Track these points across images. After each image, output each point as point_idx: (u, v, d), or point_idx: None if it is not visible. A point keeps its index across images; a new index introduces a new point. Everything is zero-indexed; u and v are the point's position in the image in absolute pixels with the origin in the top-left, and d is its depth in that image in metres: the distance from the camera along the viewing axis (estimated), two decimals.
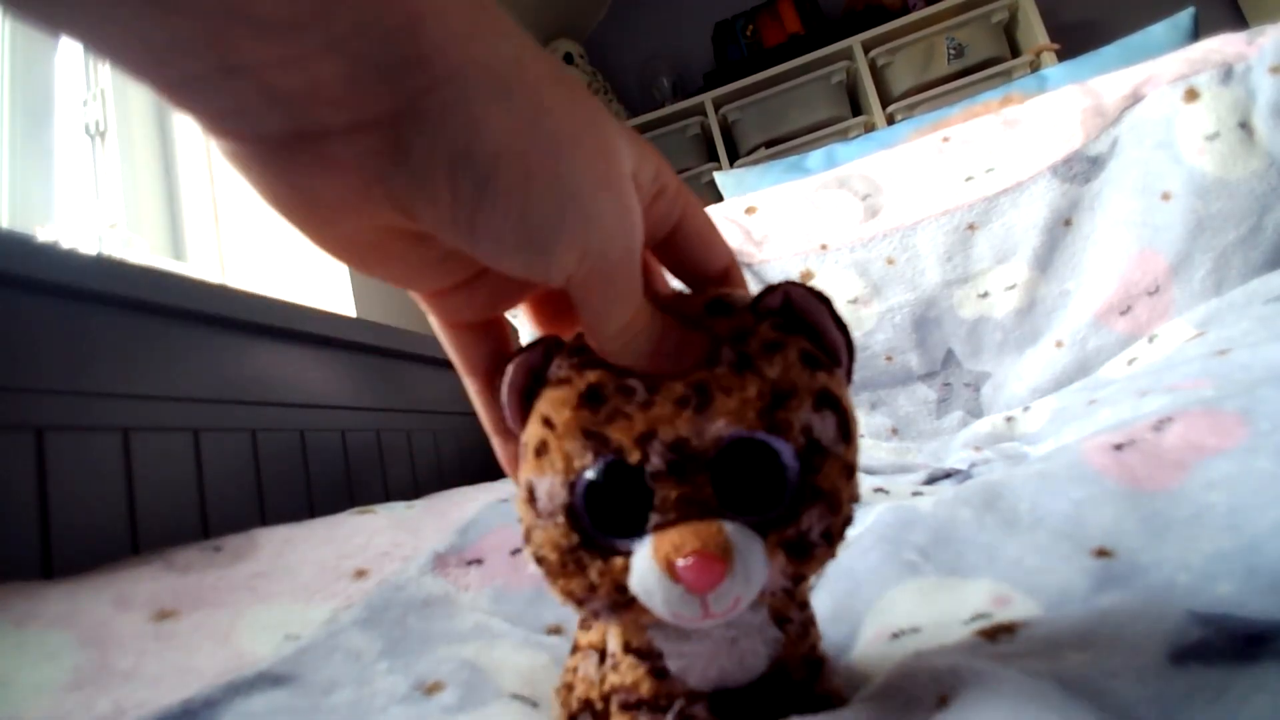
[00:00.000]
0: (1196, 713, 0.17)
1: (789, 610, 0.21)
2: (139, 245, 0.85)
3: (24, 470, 0.40)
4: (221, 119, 0.15)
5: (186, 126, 0.97)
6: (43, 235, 0.77)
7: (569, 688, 0.25)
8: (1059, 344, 0.74)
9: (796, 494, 0.18)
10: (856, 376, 0.82)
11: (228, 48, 0.13)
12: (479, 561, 0.43)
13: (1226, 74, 0.71)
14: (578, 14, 2.34)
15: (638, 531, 0.18)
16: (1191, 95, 0.72)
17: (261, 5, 0.13)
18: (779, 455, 0.18)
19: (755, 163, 1.82)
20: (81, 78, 0.89)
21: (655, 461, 0.18)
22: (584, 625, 0.26)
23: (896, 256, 0.82)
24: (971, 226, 0.80)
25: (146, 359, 0.49)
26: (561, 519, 0.19)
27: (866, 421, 0.81)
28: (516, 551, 0.44)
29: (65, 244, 0.46)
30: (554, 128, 0.16)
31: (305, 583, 0.38)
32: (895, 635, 0.27)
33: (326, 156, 0.15)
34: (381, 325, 0.77)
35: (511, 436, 0.21)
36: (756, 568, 0.18)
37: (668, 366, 0.18)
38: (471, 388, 0.22)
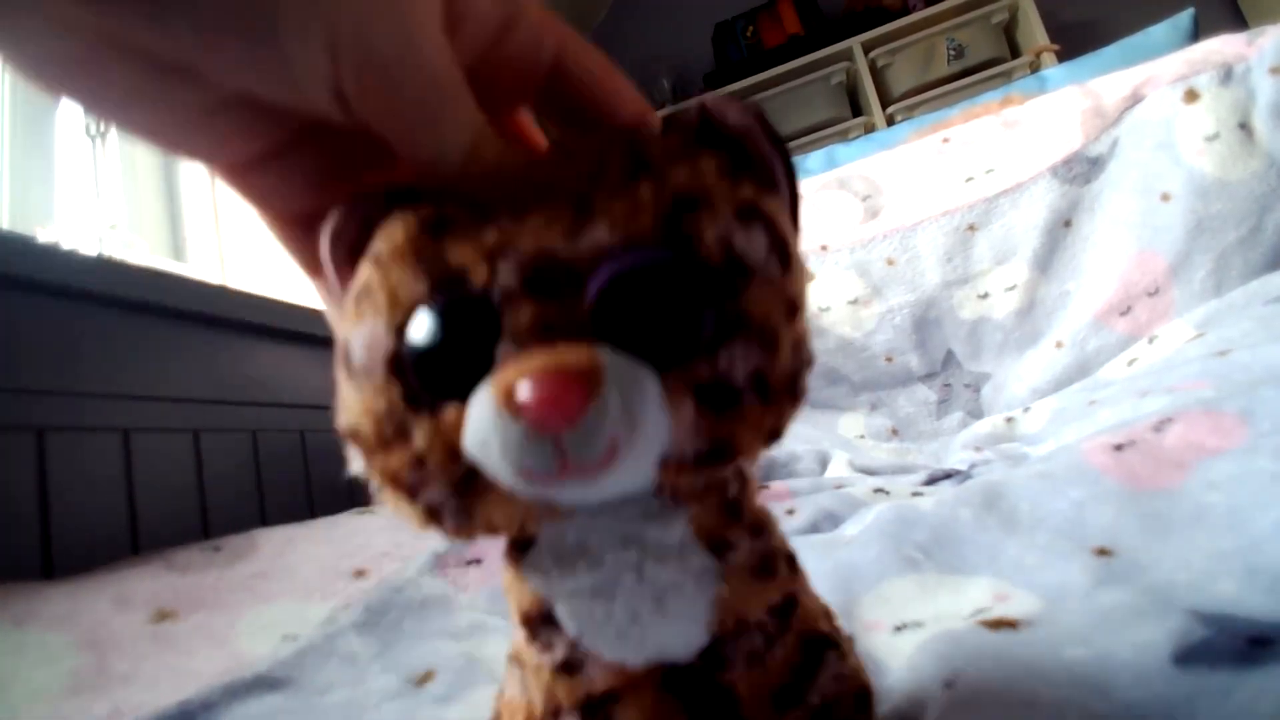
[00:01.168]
0: (1201, 716, 0.17)
1: (727, 531, 0.15)
2: (139, 246, 0.85)
3: (24, 470, 0.40)
4: None
5: None
6: (43, 236, 0.77)
7: (497, 714, 0.19)
8: (1059, 345, 0.74)
9: (715, 328, 0.13)
10: (857, 377, 0.82)
11: None
12: (478, 561, 0.43)
13: (1226, 75, 0.71)
14: (577, 15, 2.34)
15: (479, 378, 0.13)
16: (1191, 96, 0.72)
17: None
18: (682, 275, 0.13)
19: None
20: None
21: (506, 277, 0.13)
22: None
23: (897, 257, 0.82)
24: (971, 227, 0.80)
25: (147, 360, 0.49)
26: (382, 372, 0.14)
27: (867, 422, 0.81)
28: None
29: (66, 245, 0.46)
30: None
31: (305, 583, 0.38)
32: (898, 628, 0.27)
33: None
34: None
35: None
36: (645, 408, 0.12)
37: (524, 190, 0.14)
38: (320, 288, 0.18)
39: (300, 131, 0.16)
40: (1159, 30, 1.03)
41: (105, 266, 0.48)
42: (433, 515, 0.14)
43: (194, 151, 0.15)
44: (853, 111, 1.99)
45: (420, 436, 0.13)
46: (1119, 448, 0.33)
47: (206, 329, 0.54)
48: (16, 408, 0.40)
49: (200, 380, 0.52)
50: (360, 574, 0.40)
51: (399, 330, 0.13)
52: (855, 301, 0.82)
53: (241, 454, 0.54)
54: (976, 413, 0.78)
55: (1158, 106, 0.74)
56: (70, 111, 0.87)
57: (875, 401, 0.82)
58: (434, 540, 0.45)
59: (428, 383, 0.13)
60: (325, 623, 0.35)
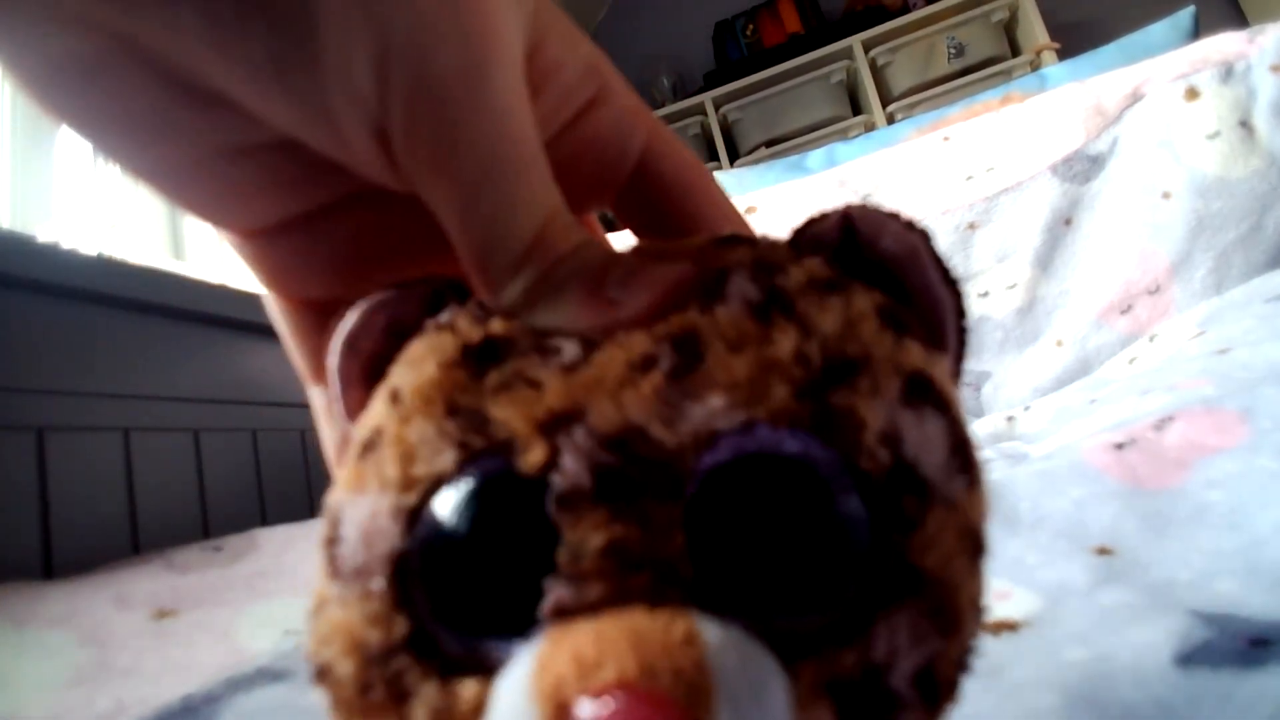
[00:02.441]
0: (1202, 717, 0.17)
1: None
2: (139, 245, 0.85)
3: (25, 470, 0.40)
4: None
5: None
6: (43, 236, 0.77)
7: None
8: (1059, 343, 0.74)
9: (868, 578, 0.08)
10: None
11: None
12: None
13: (1227, 73, 0.71)
14: (577, 14, 2.34)
15: (517, 629, 0.08)
16: (1192, 94, 0.72)
17: None
18: (833, 488, 0.08)
19: (755, 162, 1.82)
20: None
21: (570, 468, 0.08)
22: None
23: None
24: (972, 226, 0.80)
25: (147, 359, 0.49)
26: (383, 586, 0.09)
27: None
28: None
29: (66, 244, 0.46)
30: None
31: (306, 581, 0.38)
32: None
33: None
34: None
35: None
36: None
37: (606, 315, 0.10)
38: (319, 398, 0.14)
39: (338, 199, 0.12)
40: (1159, 28, 1.02)
41: (105, 266, 0.48)
42: None
43: (205, 204, 0.12)
44: (853, 110, 1.99)
45: (419, 708, 0.09)
46: (1120, 446, 0.33)
47: (207, 328, 0.54)
48: (16, 407, 0.40)
49: (200, 380, 0.52)
50: None
51: (411, 516, 0.09)
52: None
53: (242, 454, 0.54)
54: (977, 411, 0.78)
55: (1158, 105, 0.74)
56: None
57: None
58: None
59: (443, 611, 0.09)
60: None
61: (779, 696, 0.08)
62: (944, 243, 0.80)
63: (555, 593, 0.08)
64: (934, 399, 0.09)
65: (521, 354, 0.09)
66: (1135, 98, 0.76)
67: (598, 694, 0.07)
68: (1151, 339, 0.66)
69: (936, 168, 0.84)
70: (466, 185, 0.10)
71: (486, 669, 0.08)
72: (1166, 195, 0.71)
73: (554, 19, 0.11)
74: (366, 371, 0.11)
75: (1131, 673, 0.19)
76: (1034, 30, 1.84)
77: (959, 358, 0.11)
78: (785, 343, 0.09)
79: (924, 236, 0.11)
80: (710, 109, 2.03)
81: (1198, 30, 0.99)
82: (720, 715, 0.07)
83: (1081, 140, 0.77)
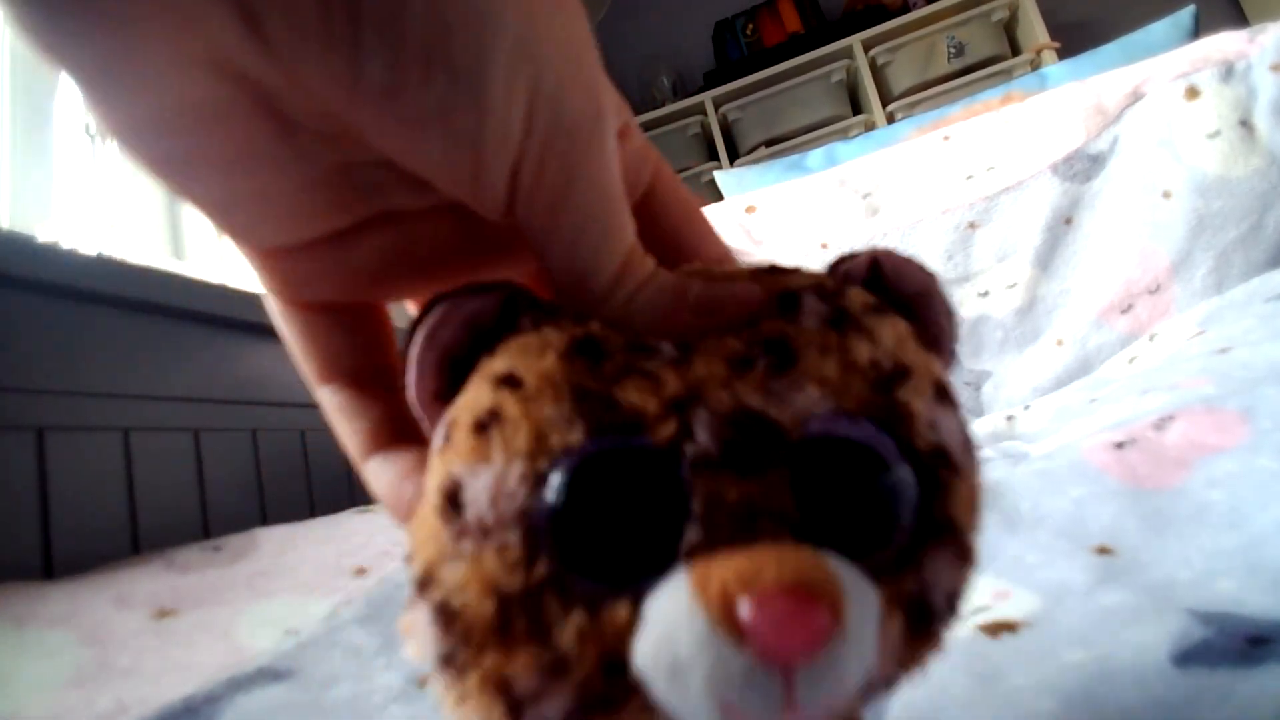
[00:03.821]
0: (1201, 716, 0.17)
1: None
2: (139, 245, 0.85)
3: (25, 470, 0.40)
4: None
5: None
6: (43, 236, 0.77)
7: None
8: (1060, 343, 0.74)
9: (917, 526, 0.11)
10: None
11: None
12: None
13: (1227, 72, 0.71)
14: None
15: (654, 568, 0.10)
16: (1192, 93, 0.72)
17: None
18: (890, 463, 0.11)
19: (755, 162, 1.82)
20: None
21: (703, 437, 0.10)
22: None
23: None
24: (972, 225, 0.80)
25: (147, 359, 0.49)
26: (516, 535, 0.10)
27: None
28: None
29: (65, 244, 0.46)
30: None
31: (305, 581, 0.38)
32: None
33: None
34: None
35: (400, 444, 0.13)
36: (870, 634, 0.10)
37: (697, 324, 0.12)
38: (330, 398, 0.14)
39: (367, 219, 0.13)
40: (1159, 27, 1.02)
41: (105, 265, 0.47)
42: (517, 711, 0.10)
43: (249, 227, 0.13)
44: (853, 109, 1.99)
45: (568, 634, 0.10)
46: (1120, 446, 0.33)
47: (207, 328, 0.54)
48: (17, 407, 0.40)
49: (200, 379, 0.52)
50: (361, 572, 0.40)
51: (539, 481, 0.10)
52: None
53: (242, 453, 0.54)
54: (977, 411, 0.78)
55: (1158, 104, 0.74)
56: (69, 110, 0.87)
57: None
58: None
59: (575, 562, 0.10)
60: (327, 617, 0.35)
61: (875, 605, 0.10)
62: (944, 242, 0.80)
63: (692, 535, 0.10)
64: (952, 400, 0.12)
65: (625, 351, 0.11)
66: (1135, 97, 0.76)
67: (759, 595, 0.09)
68: (1152, 338, 0.66)
69: (937, 167, 0.84)
70: (579, 218, 0.12)
71: (628, 599, 0.10)
72: (1167, 194, 0.71)
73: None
74: (443, 363, 0.12)
75: (1130, 672, 0.19)
76: (1034, 29, 1.84)
77: (951, 370, 0.14)
78: (862, 350, 0.11)
79: (935, 278, 0.14)
80: (710, 108, 2.03)
81: (1198, 29, 0.99)
82: (850, 614, 0.09)
83: (1082, 139, 0.77)
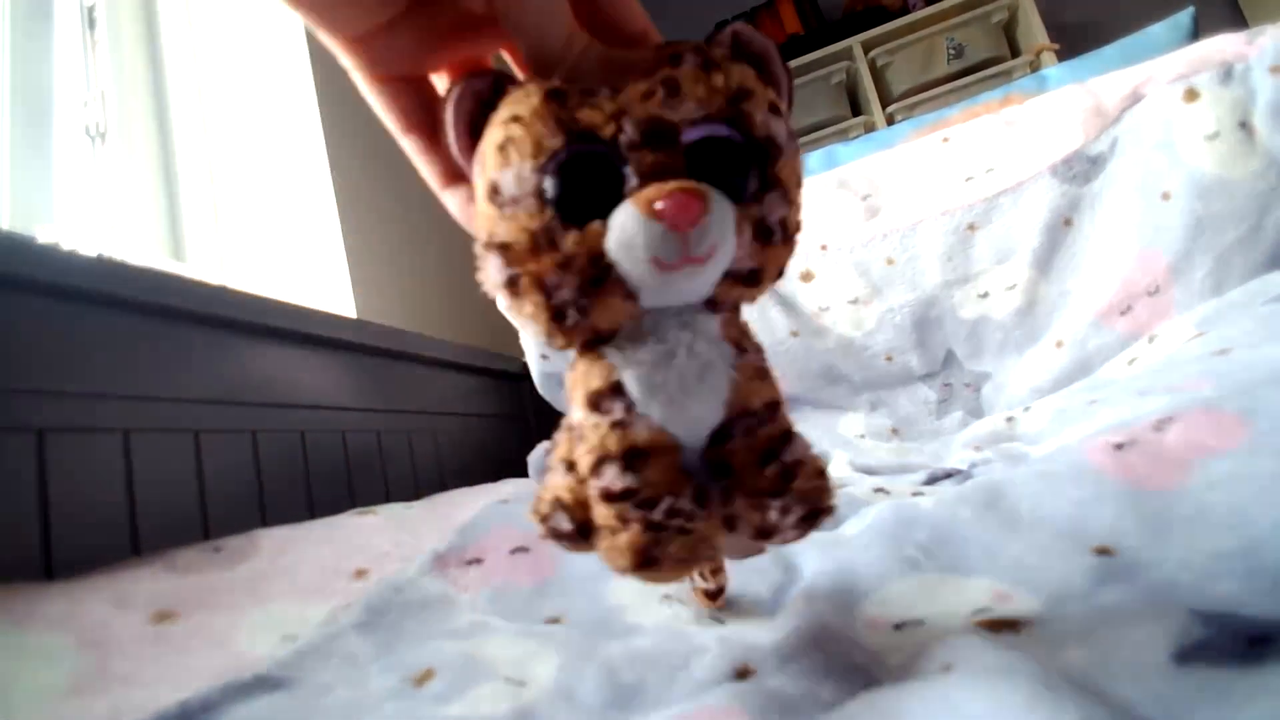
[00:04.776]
0: (1200, 714, 0.17)
1: (743, 341, 0.22)
2: (139, 246, 0.85)
3: (25, 471, 0.40)
4: None
5: (187, 127, 0.97)
6: (43, 237, 0.77)
7: (538, 500, 0.23)
8: (1059, 344, 0.74)
9: (759, 183, 0.19)
10: (857, 377, 0.82)
11: None
12: (478, 561, 0.43)
13: (1226, 74, 0.71)
14: None
15: (612, 204, 0.18)
16: (1191, 95, 0.72)
17: None
18: (735, 142, 0.19)
19: None
20: (81, 79, 0.89)
21: (629, 133, 0.18)
22: (554, 445, 0.24)
23: (896, 257, 0.82)
24: (971, 227, 0.80)
25: (147, 360, 0.49)
26: (533, 200, 0.18)
27: (867, 421, 0.81)
28: (516, 551, 0.44)
29: (66, 245, 0.46)
30: None
31: (305, 583, 0.38)
32: (898, 626, 0.27)
33: None
34: (382, 326, 0.77)
35: (461, 180, 0.21)
36: (729, 223, 0.18)
37: (620, 80, 0.19)
38: (411, 145, 0.22)
39: (410, 8, 0.20)
40: (1158, 29, 1.03)
41: (105, 267, 0.47)
42: (558, 314, 0.19)
43: (346, 19, 0.20)
44: (852, 111, 1.99)
45: (569, 244, 0.18)
46: (1119, 447, 0.33)
47: (207, 330, 0.54)
48: (16, 408, 0.40)
49: (200, 381, 0.52)
50: (360, 574, 0.40)
51: (542, 169, 0.18)
52: (855, 301, 0.82)
53: (242, 454, 0.54)
54: (977, 412, 0.78)
55: (1157, 105, 0.74)
56: (69, 110, 0.87)
57: (875, 401, 0.82)
58: (433, 540, 0.45)
59: (569, 208, 0.18)
60: (325, 623, 0.35)
61: (730, 211, 0.19)
62: (944, 243, 0.80)
63: (631, 183, 0.18)
64: (781, 114, 0.20)
65: (579, 93, 0.19)
66: (1135, 99, 0.76)
67: (664, 195, 0.17)
68: (1151, 340, 0.66)
69: (936, 169, 0.84)
70: (532, 12, 0.19)
71: (600, 220, 0.18)
72: (1166, 196, 0.71)
73: None
74: (469, 121, 0.20)
75: (1130, 672, 0.19)
76: (1033, 31, 1.84)
77: (790, 101, 0.22)
78: (719, 80, 0.19)
79: (771, 45, 0.21)
80: None
81: (1197, 31, 0.99)
82: (712, 204, 0.18)
83: (1081, 141, 0.77)
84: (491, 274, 0.19)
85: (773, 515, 0.21)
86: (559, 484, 0.22)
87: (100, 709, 0.26)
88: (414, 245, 1.08)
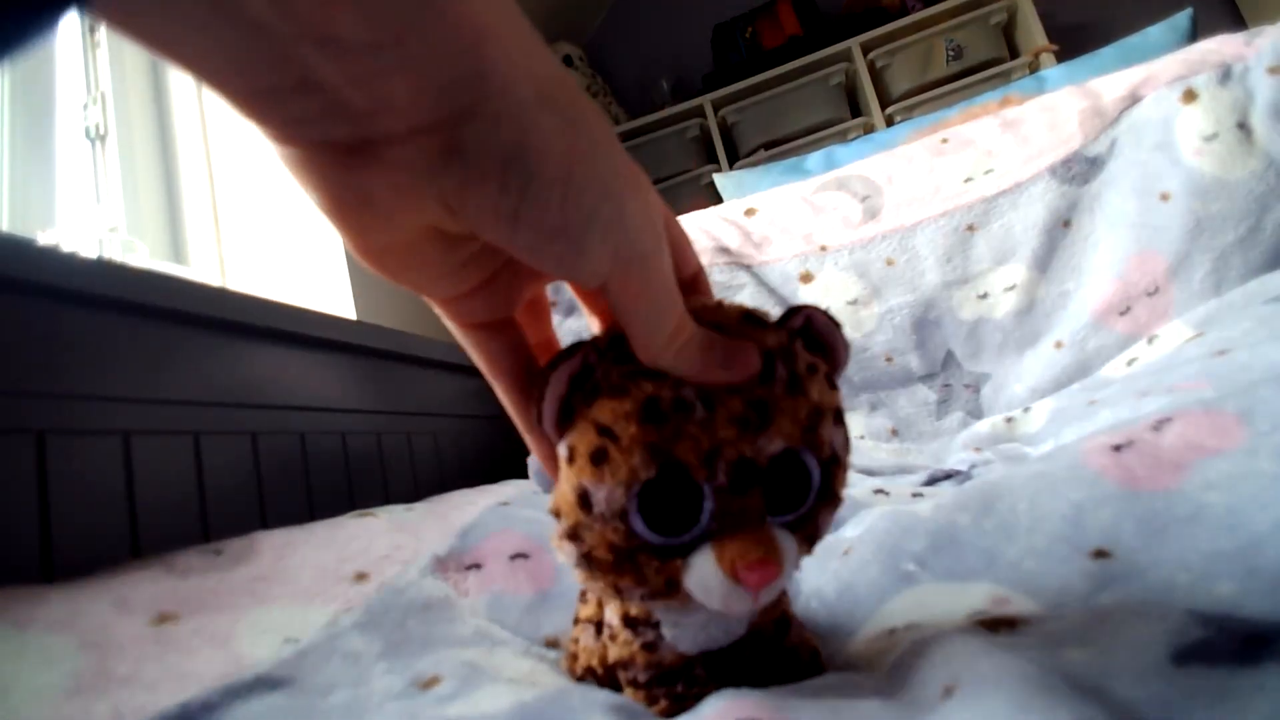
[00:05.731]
0: (1198, 714, 0.17)
1: None
2: (140, 249, 0.85)
3: (25, 473, 0.40)
4: (288, 128, 0.16)
5: (187, 129, 0.97)
6: (44, 239, 0.77)
7: (573, 657, 0.29)
8: (1058, 345, 0.74)
9: (818, 497, 0.22)
10: (857, 378, 0.82)
11: (304, 65, 0.14)
12: (477, 566, 0.43)
13: (1225, 75, 0.71)
14: (577, 16, 2.34)
15: (686, 530, 0.20)
16: (1190, 96, 0.72)
17: (342, 27, 0.14)
18: (809, 467, 0.21)
19: (754, 164, 1.83)
20: (82, 81, 0.89)
21: (720, 479, 0.20)
22: (582, 599, 0.30)
23: (896, 258, 0.82)
24: (971, 228, 0.80)
25: (147, 362, 0.49)
26: (620, 524, 0.20)
27: (867, 423, 0.81)
28: (516, 557, 0.44)
29: (66, 248, 0.46)
30: (592, 133, 0.17)
31: (305, 586, 0.38)
32: (891, 631, 0.27)
33: (385, 159, 0.16)
34: (382, 328, 0.77)
35: (546, 434, 0.23)
36: (793, 563, 0.21)
37: (720, 376, 0.20)
38: (499, 387, 0.24)
39: (500, 267, 0.22)
40: (1157, 30, 1.03)
41: (105, 269, 0.48)
42: (622, 595, 0.22)
43: (438, 289, 0.21)
44: (852, 112, 1.99)
45: (650, 571, 0.21)
46: (1118, 448, 0.33)
47: (207, 332, 0.54)
48: (16, 411, 0.40)
49: (201, 383, 0.52)
50: (361, 577, 0.40)
51: (632, 494, 0.20)
52: (855, 302, 0.82)
53: (242, 457, 0.54)
54: (976, 413, 0.78)
55: (1156, 106, 0.74)
56: (69, 113, 0.87)
57: (875, 402, 0.82)
58: (434, 543, 0.45)
59: (652, 525, 0.20)
60: (327, 625, 0.35)
61: (794, 549, 0.21)
62: (943, 244, 0.80)
63: (712, 525, 0.20)
64: (843, 420, 0.22)
65: (673, 412, 0.20)
66: (1133, 100, 0.76)
67: (750, 565, 0.19)
68: (1150, 340, 0.66)
69: (935, 170, 0.84)
70: (648, 305, 0.19)
71: (679, 553, 0.20)
72: (1165, 197, 0.71)
73: None
74: (559, 404, 0.21)
75: (1129, 672, 0.19)
76: (1032, 32, 1.84)
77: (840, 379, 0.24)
78: (803, 408, 0.21)
79: (839, 328, 0.23)
80: (709, 111, 2.03)
81: (1195, 32, 0.99)
82: (786, 566, 0.20)
83: (1080, 142, 0.77)
84: (568, 556, 0.22)
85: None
86: (589, 649, 0.28)
87: (101, 710, 0.26)
88: None
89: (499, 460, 0.90)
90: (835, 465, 0.22)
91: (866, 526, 0.36)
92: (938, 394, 0.80)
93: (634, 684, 0.25)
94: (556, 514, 0.22)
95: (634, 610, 0.24)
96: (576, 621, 0.29)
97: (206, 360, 0.54)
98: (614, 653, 0.25)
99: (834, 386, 0.22)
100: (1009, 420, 0.68)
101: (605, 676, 0.26)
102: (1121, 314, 0.71)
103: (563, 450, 0.21)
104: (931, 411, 0.80)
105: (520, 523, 0.48)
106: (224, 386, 0.54)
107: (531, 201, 0.17)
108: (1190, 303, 0.67)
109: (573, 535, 0.21)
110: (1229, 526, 0.25)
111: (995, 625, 0.24)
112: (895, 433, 0.80)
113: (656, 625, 0.24)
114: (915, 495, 0.50)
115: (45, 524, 0.40)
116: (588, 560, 0.21)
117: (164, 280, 0.51)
